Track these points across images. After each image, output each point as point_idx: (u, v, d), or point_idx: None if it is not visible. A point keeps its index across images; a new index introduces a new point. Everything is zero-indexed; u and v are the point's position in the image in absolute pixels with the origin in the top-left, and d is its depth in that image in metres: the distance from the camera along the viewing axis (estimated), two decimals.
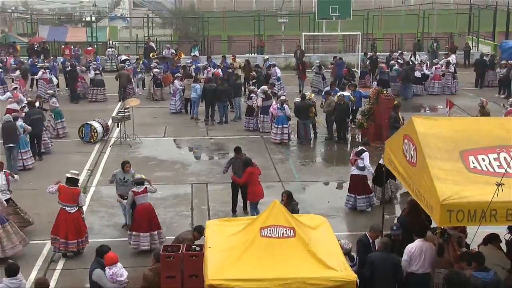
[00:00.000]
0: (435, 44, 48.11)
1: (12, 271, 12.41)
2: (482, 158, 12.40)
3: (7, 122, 24.23)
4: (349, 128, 29.06)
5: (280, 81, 36.62)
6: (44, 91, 35.61)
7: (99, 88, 37.91)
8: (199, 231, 14.59)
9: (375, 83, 34.75)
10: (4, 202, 17.38)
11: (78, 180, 17.91)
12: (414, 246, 13.48)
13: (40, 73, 37.88)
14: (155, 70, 38.78)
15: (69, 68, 39.20)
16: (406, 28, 58.58)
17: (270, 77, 36.11)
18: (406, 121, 14.33)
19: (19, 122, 24.48)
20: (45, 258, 17.54)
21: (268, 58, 42.20)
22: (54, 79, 38.04)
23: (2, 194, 17.89)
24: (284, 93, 31.33)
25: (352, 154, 20.56)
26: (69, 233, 17.16)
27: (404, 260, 13.25)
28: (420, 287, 13.26)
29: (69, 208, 17.27)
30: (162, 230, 17.69)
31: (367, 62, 40.65)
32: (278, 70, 37.25)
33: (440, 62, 39.48)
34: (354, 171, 20.24)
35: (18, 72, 37.18)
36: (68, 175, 17.68)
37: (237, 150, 20.55)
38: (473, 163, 12.32)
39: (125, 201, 17.88)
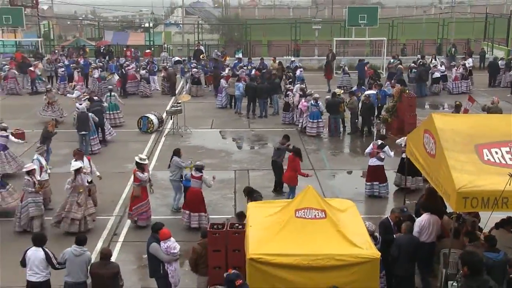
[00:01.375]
0: (453, 49, 47.62)
1: (79, 241, 12.57)
2: (495, 151, 12.25)
3: (82, 113, 25.04)
4: (374, 123, 28.83)
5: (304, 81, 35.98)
6: (96, 87, 36.10)
7: (148, 85, 38.29)
8: (241, 216, 14.58)
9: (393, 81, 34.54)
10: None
11: (140, 163, 17.97)
12: (423, 219, 13.95)
13: (96, 73, 38.38)
14: (194, 70, 39.07)
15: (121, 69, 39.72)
16: (427, 35, 58.15)
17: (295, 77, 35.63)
18: (426, 118, 14.16)
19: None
20: (108, 231, 17.78)
21: (294, 60, 42.19)
22: (116, 77, 38.41)
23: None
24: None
25: (373, 147, 20.34)
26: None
27: (416, 232, 13.46)
28: (429, 254, 13.63)
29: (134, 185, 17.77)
30: (207, 213, 17.78)
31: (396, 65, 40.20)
32: (300, 71, 37.03)
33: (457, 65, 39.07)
34: (374, 162, 20.08)
35: (78, 72, 37.74)
36: (136, 159, 18.11)
37: (285, 137, 20.86)
38: (487, 155, 12.18)
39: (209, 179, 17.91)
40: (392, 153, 20.11)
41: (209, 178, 17.84)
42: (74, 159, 18.49)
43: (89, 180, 18.64)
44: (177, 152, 19.10)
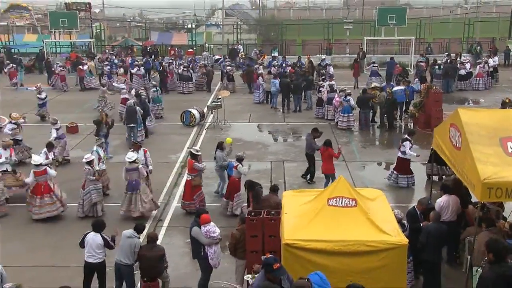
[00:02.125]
0: (478, 47, 46.97)
1: (137, 230, 12.82)
2: None
3: (130, 107, 25.43)
4: (402, 118, 28.70)
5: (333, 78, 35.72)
6: (137, 84, 36.33)
7: (185, 82, 38.34)
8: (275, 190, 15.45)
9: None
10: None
11: (196, 155, 18.18)
12: (442, 200, 14.21)
13: (135, 69, 38.69)
14: (228, 68, 39.16)
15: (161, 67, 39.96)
16: (453, 34, 57.38)
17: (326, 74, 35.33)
18: (453, 112, 14.01)
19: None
20: (154, 217, 17.93)
21: (324, 58, 42.00)
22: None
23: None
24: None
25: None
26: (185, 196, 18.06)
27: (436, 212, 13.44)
28: (451, 233, 13.56)
29: (188, 176, 17.96)
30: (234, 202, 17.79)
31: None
32: (331, 69, 36.75)
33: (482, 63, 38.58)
34: (399, 154, 20.04)
35: (122, 70, 38.01)
36: (192, 151, 18.42)
37: (314, 130, 20.89)
38: (511, 148, 11.98)
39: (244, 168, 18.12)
40: (407, 149, 19.78)
41: (244, 168, 18.04)
42: (132, 150, 18.85)
43: (102, 168, 19.02)
44: (220, 145, 19.29)
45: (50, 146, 19.60)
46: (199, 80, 39.23)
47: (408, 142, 19.93)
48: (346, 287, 8.38)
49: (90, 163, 17.65)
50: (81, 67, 40.82)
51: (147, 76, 40.63)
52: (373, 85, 29.62)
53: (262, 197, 15.67)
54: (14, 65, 42.81)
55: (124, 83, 32.60)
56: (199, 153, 18.46)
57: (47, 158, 18.87)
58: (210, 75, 39.10)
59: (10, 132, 22.84)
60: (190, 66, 40.61)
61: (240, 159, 17.83)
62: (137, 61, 42.04)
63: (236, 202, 17.68)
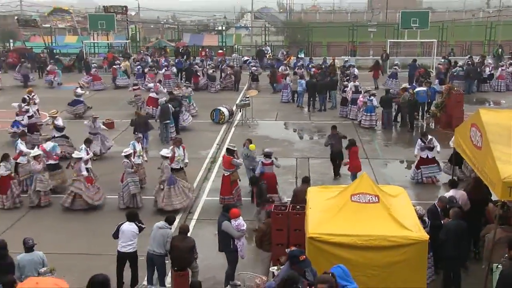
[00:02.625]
0: (499, 49, 46.31)
1: (169, 221, 12.89)
2: None
3: (163, 105, 25.60)
4: (424, 118, 28.46)
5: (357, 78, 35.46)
6: (167, 83, 36.45)
7: (213, 82, 38.35)
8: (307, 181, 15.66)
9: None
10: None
11: (232, 150, 18.13)
12: (449, 195, 14.31)
13: (163, 69, 38.92)
14: (253, 68, 39.18)
15: (187, 67, 40.18)
16: (475, 36, 56.69)
17: (350, 75, 35.02)
18: (474, 113, 13.90)
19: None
20: (184, 210, 17.95)
21: (348, 60, 41.83)
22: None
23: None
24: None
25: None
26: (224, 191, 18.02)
27: None
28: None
29: (225, 172, 17.94)
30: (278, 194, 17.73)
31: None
32: (356, 70, 36.52)
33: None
34: (426, 153, 19.79)
35: (153, 69, 38.31)
36: (228, 146, 18.45)
37: (334, 127, 21.02)
38: None
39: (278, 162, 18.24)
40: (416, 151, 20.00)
41: (276, 161, 18.14)
42: (172, 146, 19.00)
43: (137, 162, 19.09)
44: (250, 143, 19.34)
45: (88, 142, 19.75)
46: (227, 80, 39.28)
47: (420, 141, 20.00)
48: None
49: (128, 156, 17.86)
50: (114, 66, 41.24)
51: (179, 75, 40.82)
52: (403, 86, 29.26)
53: (297, 188, 16.10)
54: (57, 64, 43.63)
55: (154, 82, 32.81)
56: (235, 149, 18.41)
57: (87, 153, 19.06)
58: (237, 75, 39.20)
59: (62, 125, 23.12)
60: (220, 66, 40.73)
61: (268, 155, 17.81)
62: (169, 61, 42.41)
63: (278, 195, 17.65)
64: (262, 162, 17.75)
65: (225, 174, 18.07)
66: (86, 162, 18.69)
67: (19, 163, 19.14)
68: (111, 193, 18.68)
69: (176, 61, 43.29)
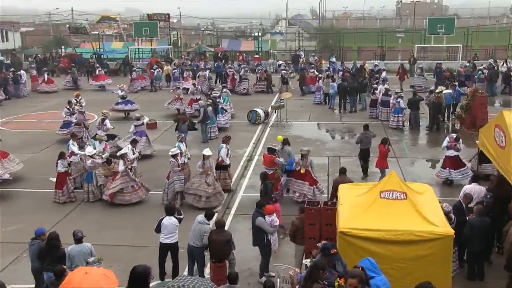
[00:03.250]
0: None
1: (208, 216, 12.96)
2: None
3: (203, 106, 25.76)
4: (450, 119, 28.15)
5: (387, 81, 34.77)
6: (202, 85, 36.69)
7: (245, 81, 38.52)
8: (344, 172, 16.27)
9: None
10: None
11: (274, 150, 18.20)
12: (468, 187, 14.58)
13: (200, 72, 39.19)
14: (283, 71, 39.24)
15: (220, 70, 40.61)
16: (498, 41, 55.80)
17: (379, 78, 34.64)
18: (498, 114, 13.75)
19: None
20: (222, 205, 18.04)
21: (377, 64, 41.52)
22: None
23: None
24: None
25: (450, 140, 19.61)
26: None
27: (460, 196, 13.83)
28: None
29: (268, 170, 17.79)
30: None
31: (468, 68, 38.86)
32: (384, 74, 36.23)
33: None
34: (452, 153, 19.36)
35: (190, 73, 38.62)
36: (270, 146, 18.46)
37: (366, 126, 21.00)
38: None
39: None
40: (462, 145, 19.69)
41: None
42: (223, 144, 19.19)
43: (183, 161, 19.03)
44: (286, 141, 19.29)
45: (134, 142, 19.98)
46: (261, 83, 39.34)
47: (448, 138, 19.77)
48: (416, 286, 8.13)
49: (175, 156, 17.96)
50: (152, 70, 41.66)
51: (217, 79, 41.03)
52: (438, 89, 28.82)
53: (336, 178, 16.57)
54: (104, 69, 44.25)
55: (191, 85, 33.11)
56: (276, 148, 18.48)
57: (134, 153, 19.28)
58: (269, 79, 39.37)
59: (110, 127, 23.48)
60: (255, 70, 40.84)
61: (304, 155, 17.85)
62: (207, 66, 42.74)
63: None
64: (293, 161, 17.89)
65: (268, 173, 17.84)
66: (132, 161, 18.97)
67: (72, 161, 19.46)
68: (155, 189, 18.87)
69: (215, 65, 43.54)
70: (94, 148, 19.39)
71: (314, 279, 8.77)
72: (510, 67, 37.71)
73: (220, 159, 19.02)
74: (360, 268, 8.22)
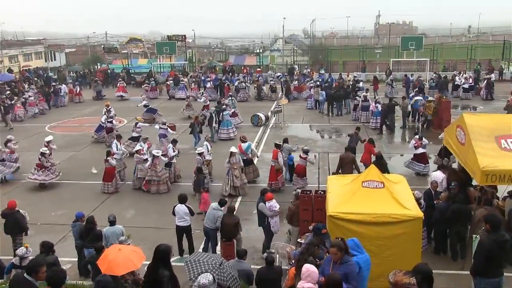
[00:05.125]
0: (478, 66, 45.41)
1: (220, 203, 13.02)
2: (510, 141, 11.80)
3: (212, 111, 26.05)
4: (420, 120, 28.00)
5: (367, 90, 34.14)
6: (209, 95, 36.32)
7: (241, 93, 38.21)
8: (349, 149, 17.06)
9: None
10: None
11: (279, 145, 18.32)
12: (436, 173, 14.89)
13: (208, 84, 39.07)
14: (272, 82, 39.94)
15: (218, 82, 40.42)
16: (459, 56, 55.79)
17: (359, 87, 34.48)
18: (459, 116, 13.79)
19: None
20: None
21: (355, 76, 41.36)
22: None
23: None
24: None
25: (415, 141, 19.76)
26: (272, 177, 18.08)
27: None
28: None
29: (272, 163, 18.03)
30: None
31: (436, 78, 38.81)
32: (361, 84, 36.17)
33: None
34: (420, 150, 19.54)
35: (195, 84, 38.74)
36: (276, 142, 18.63)
37: (358, 128, 21.24)
38: (504, 144, 11.73)
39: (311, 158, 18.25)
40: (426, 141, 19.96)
41: (311, 158, 18.14)
42: (243, 142, 19.13)
43: (209, 159, 18.95)
44: (286, 140, 19.34)
45: (174, 142, 19.97)
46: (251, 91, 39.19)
47: (413, 140, 19.97)
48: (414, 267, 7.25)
49: (200, 154, 17.88)
50: (167, 82, 41.68)
51: (216, 89, 40.31)
52: (429, 98, 28.57)
53: (342, 154, 17.55)
54: (133, 81, 44.35)
55: (202, 95, 33.20)
56: (281, 143, 18.60)
57: (174, 151, 19.33)
58: (260, 87, 39.01)
59: (140, 129, 23.45)
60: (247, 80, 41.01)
61: (306, 151, 17.85)
62: (220, 78, 42.72)
63: (304, 182, 17.73)
64: (300, 155, 17.83)
65: (272, 165, 18.11)
66: (171, 158, 19.06)
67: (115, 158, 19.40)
68: (183, 180, 19.21)
69: (223, 77, 43.39)
70: (141, 147, 19.46)
71: (310, 253, 8.81)
72: (491, 77, 37.26)
73: (250, 155, 19.06)
74: (340, 239, 8.23)
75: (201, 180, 16.68)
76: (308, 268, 7.05)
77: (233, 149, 18.10)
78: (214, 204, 12.96)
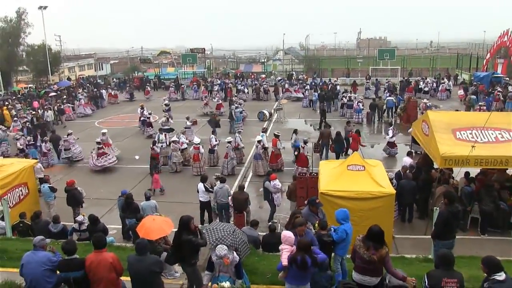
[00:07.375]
0: (438, 73, 45.06)
1: (222, 181, 13.03)
2: (463, 132, 11.85)
3: (231, 109, 26.00)
4: (393, 116, 27.81)
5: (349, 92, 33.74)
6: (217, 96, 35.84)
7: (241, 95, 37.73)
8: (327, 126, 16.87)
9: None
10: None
11: (278, 135, 18.53)
12: (405, 160, 15.07)
13: (216, 87, 39.21)
14: (265, 85, 39.61)
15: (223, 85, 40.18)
16: (424, 65, 55.49)
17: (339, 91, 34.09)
18: (424, 113, 13.81)
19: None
20: (241, 174, 18.18)
21: (336, 79, 41.01)
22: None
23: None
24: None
25: (392, 131, 20.11)
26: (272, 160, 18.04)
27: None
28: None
29: (272, 149, 18.24)
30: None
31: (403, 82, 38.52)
32: (338, 87, 35.66)
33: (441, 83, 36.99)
34: (392, 139, 19.99)
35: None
36: (275, 133, 18.71)
37: (348, 122, 21.35)
38: (459, 135, 11.76)
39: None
40: (390, 134, 20.15)
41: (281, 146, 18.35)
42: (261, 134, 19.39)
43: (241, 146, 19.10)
44: (295, 131, 19.33)
45: (214, 133, 20.14)
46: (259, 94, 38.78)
47: (390, 129, 20.26)
48: (369, 228, 7.13)
49: (230, 142, 18.17)
50: (182, 85, 41.32)
51: (222, 91, 39.79)
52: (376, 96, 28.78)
53: (322, 130, 18.31)
54: (162, 86, 44.16)
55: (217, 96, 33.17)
56: (279, 134, 18.80)
57: (216, 140, 19.44)
58: (257, 89, 38.66)
59: (190, 124, 23.67)
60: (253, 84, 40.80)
61: (306, 142, 17.87)
62: (231, 83, 42.56)
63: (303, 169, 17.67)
64: (299, 145, 17.80)
65: (272, 151, 18.17)
66: (213, 146, 19.04)
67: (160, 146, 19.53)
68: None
69: (234, 82, 43.18)
70: (178, 138, 19.66)
71: (292, 221, 8.87)
72: (448, 84, 36.85)
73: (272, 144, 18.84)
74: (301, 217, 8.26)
75: (153, 164, 17.21)
76: (285, 234, 7.08)
77: (258, 138, 18.20)
78: (218, 184, 12.96)
